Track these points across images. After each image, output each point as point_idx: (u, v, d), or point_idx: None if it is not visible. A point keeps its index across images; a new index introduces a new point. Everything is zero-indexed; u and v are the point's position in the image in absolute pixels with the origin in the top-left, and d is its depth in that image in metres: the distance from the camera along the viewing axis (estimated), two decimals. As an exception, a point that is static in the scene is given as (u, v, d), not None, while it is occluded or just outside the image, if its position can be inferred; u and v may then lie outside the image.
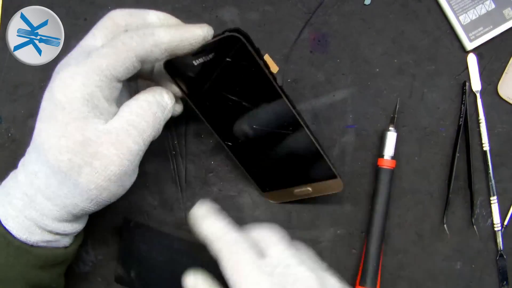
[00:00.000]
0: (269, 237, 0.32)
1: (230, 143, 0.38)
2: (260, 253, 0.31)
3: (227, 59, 0.31)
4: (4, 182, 0.32)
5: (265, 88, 0.33)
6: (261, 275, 0.29)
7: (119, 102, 0.32)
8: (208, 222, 0.33)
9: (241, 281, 0.29)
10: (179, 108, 0.36)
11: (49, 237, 0.31)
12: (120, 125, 0.30)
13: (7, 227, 0.30)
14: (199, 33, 0.30)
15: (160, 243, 0.40)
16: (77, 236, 0.35)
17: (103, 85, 0.29)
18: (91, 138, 0.29)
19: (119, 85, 0.31)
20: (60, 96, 0.29)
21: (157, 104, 0.32)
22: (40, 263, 0.31)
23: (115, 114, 0.31)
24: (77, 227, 0.33)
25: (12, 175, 0.32)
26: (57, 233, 0.32)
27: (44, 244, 0.31)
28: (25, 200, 0.30)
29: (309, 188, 0.39)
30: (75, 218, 0.32)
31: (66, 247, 0.34)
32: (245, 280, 0.29)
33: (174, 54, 0.31)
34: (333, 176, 0.38)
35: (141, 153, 0.32)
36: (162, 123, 0.33)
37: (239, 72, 0.32)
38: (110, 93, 0.30)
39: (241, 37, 0.30)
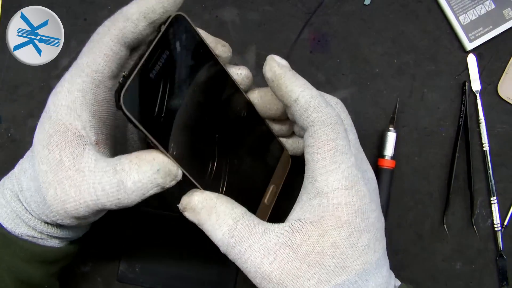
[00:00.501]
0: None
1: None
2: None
3: (178, 46, 0.28)
4: (9, 173, 0.32)
5: (214, 68, 0.31)
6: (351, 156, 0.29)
7: (105, 105, 0.30)
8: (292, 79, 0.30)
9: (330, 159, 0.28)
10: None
11: (33, 233, 0.31)
12: (90, 179, 0.27)
13: None
14: None
15: (163, 223, 0.41)
16: (73, 242, 0.34)
17: (85, 88, 0.28)
18: (64, 163, 0.27)
19: (107, 83, 0.29)
20: (50, 103, 0.28)
21: (155, 186, 0.27)
22: (27, 257, 0.31)
23: (100, 121, 0.29)
24: (65, 234, 0.32)
25: (17, 165, 0.32)
26: (40, 231, 0.31)
27: (29, 239, 0.31)
28: (14, 192, 0.30)
29: (273, 186, 0.37)
30: (57, 224, 0.31)
31: (55, 247, 0.33)
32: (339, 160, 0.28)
33: (149, 19, 0.28)
34: (281, 150, 0.37)
35: (103, 211, 0.29)
36: (145, 198, 0.28)
37: (194, 60, 0.30)
38: (95, 95, 0.28)
39: (183, 14, 0.28)
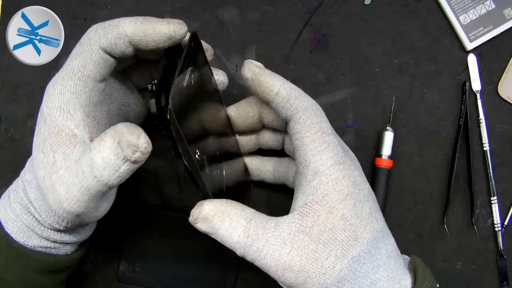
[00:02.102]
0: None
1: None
2: None
3: (196, 60, 0.30)
4: (12, 185, 0.32)
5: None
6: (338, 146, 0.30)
7: (99, 105, 0.30)
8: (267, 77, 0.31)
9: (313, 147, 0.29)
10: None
11: (47, 243, 0.31)
12: (75, 169, 0.27)
13: (6, 229, 0.30)
14: (163, 31, 0.28)
15: (163, 223, 0.41)
16: (82, 244, 0.35)
17: (78, 90, 0.28)
18: (57, 163, 0.27)
19: (99, 86, 0.29)
20: (44, 106, 0.28)
21: (123, 161, 0.26)
22: (40, 268, 0.31)
23: (94, 120, 0.29)
24: (77, 237, 0.32)
25: (19, 177, 0.32)
26: (54, 241, 0.31)
27: (43, 250, 0.31)
28: (23, 205, 0.30)
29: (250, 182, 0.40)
30: (68, 229, 0.31)
31: (68, 255, 0.33)
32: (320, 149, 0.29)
33: (139, 48, 0.29)
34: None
35: (94, 200, 0.28)
36: (128, 175, 0.27)
37: (204, 75, 0.32)
38: (88, 98, 0.29)
39: (195, 31, 0.30)
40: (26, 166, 0.31)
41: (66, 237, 0.31)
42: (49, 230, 0.30)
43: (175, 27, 0.28)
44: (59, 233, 0.31)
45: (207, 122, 0.32)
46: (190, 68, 0.28)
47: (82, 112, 0.28)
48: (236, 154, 0.37)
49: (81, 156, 0.27)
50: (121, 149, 0.25)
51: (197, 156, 0.28)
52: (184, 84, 0.27)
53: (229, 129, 0.36)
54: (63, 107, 0.28)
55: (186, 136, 0.26)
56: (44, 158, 0.28)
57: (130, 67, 0.34)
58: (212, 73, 0.33)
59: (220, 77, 0.34)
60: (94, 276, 0.42)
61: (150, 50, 0.29)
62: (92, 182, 0.26)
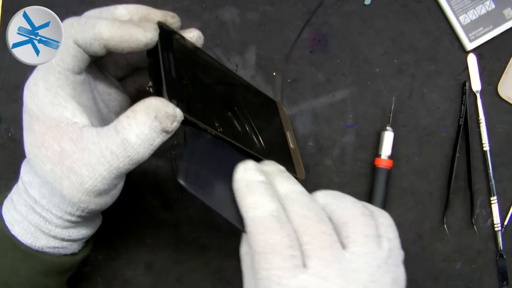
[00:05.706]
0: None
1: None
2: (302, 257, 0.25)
3: (172, 43, 0.31)
4: (13, 189, 0.32)
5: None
6: None
7: (85, 94, 0.30)
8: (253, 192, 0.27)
9: None
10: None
11: (55, 242, 0.31)
12: (96, 150, 0.27)
13: (12, 231, 0.30)
14: (140, 39, 0.28)
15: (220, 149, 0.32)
16: (87, 242, 0.34)
17: (62, 83, 0.28)
18: (67, 150, 0.27)
19: (79, 78, 0.29)
20: (31, 105, 0.28)
21: (160, 133, 0.27)
22: (46, 270, 0.31)
23: (86, 108, 0.30)
24: (84, 232, 0.32)
25: (19, 179, 0.32)
26: (62, 239, 0.31)
27: (50, 250, 0.31)
28: (27, 206, 0.30)
29: (288, 132, 0.40)
30: (78, 224, 0.31)
31: (74, 254, 0.33)
32: None
33: (114, 51, 0.29)
34: (273, 101, 0.42)
35: (119, 177, 0.28)
36: (158, 146, 0.28)
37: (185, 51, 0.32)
38: (73, 89, 0.29)
39: (161, 22, 0.30)
40: (22, 168, 0.31)
41: (74, 234, 0.31)
42: (57, 229, 0.30)
43: (152, 35, 0.28)
44: (67, 230, 0.31)
45: (214, 86, 0.33)
46: (171, 56, 0.29)
47: (74, 102, 0.29)
48: (253, 93, 0.39)
49: (100, 139, 0.27)
50: (160, 121, 0.26)
51: (219, 130, 0.29)
52: (173, 74, 0.28)
53: (238, 78, 0.38)
54: (54, 101, 0.28)
55: (200, 118, 0.28)
56: (47, 152, 0.28)
57: (104, 58, 0.33)
58: (184, 38, 0.33)
59: (191, 34, 0.33)
60: (94, 276, 0.42)
61: (124, 53, 0.29)
62: (123, 162, 0.27)
